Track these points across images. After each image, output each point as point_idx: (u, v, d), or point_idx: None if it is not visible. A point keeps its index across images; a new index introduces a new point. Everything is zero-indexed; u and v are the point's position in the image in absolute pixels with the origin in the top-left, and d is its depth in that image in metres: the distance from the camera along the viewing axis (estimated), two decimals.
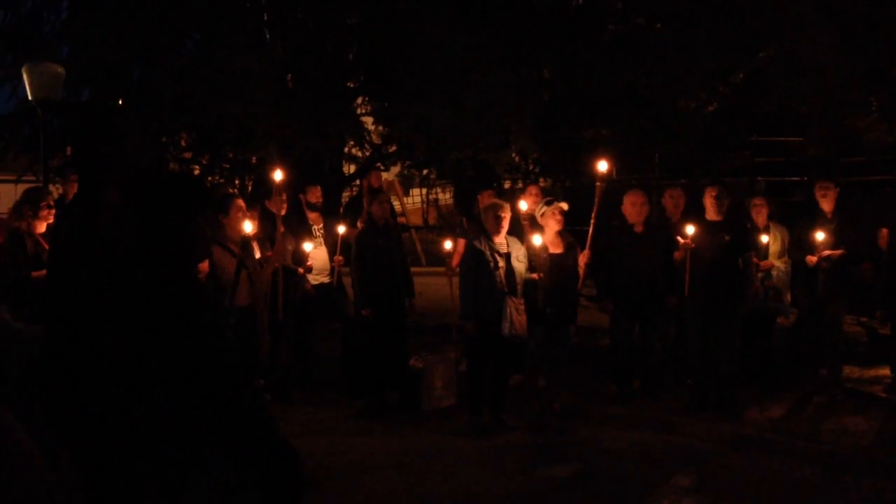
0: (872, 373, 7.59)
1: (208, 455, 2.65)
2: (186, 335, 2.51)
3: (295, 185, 7.93)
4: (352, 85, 12.21)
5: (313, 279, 7.59)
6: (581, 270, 6.86)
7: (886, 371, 7.32)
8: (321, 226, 7.76)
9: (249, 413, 2.62)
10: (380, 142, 12.37)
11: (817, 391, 7.12)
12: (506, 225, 6.53)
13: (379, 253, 7.04)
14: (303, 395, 7.39)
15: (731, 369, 6.81)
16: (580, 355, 7.97)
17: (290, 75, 11.72)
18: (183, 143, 13.28)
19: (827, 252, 6.74)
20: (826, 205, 6.97)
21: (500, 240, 6.53)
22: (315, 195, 7.77)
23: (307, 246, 7.31)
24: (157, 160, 11.64)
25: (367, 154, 12.42)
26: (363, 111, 12.50)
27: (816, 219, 6.94)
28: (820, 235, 6.71)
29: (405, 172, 12.27)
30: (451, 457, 5.93)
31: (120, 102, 10.57)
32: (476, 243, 6.52)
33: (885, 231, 6.53)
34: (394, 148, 11.86)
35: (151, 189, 2.63)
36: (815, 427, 6.42)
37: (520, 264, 6.53)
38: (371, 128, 12.65)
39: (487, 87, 9.80)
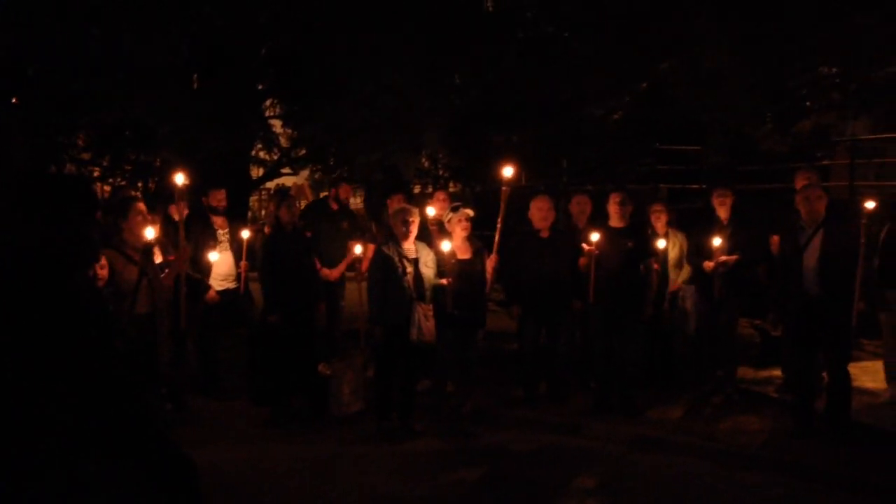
0: (765, 373, 7.91)
1: (100, 466, 2.55)
2: (70, 343, 2.41)
3: (199, 188, 7.74)
4: (261, 86, 12.02)
5: (218, 285, 7.44)
6: (489, 276, 6.94)
7: (778, 372, 7.63)
8: (226, 231, 7.61)
9: (139, 422, 2.54)
10: (289, 145, 12.20)
11: (714, 392, 7.37)
12: (414, 230, 6.55)
13: (287, 258, 6.95)
14: (208, 403, 7.25)
15: (634, 372, 6.99)
16: (488, 360, 8.07)
17: (196, 74, 11.46)
18: (81, 144, 12.79)
19: (723, 258, 6.99)
20: (722, 212, 7.23)
21: (409, 245, 6.55)
22: (219, 199, 7.61)
23: (212, 256, 7.19)
24: (52, 161, 11.17)
25: (276, 157, 12.23)
26: (272, 113, 12.31)
27: (713, 225, 7.19)
28: (716, 241, 6.95)
29: (315, 177, 12.12)
30: (360, 463, 5.94)
31: (14, 101, 10.11)
32: (384, 249, 6.54)
33: (776, 238, 6.80)
34: (303, 151, 11.72)
35: (34, 190, 2.51)
36: (713, 426, 6.65)
37: (428, 270, 6.56)
38: (280, 130, 12.48)
39: (399, 90, 9.80)
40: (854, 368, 7.02)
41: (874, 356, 7.79)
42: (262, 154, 12.31)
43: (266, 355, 7.06)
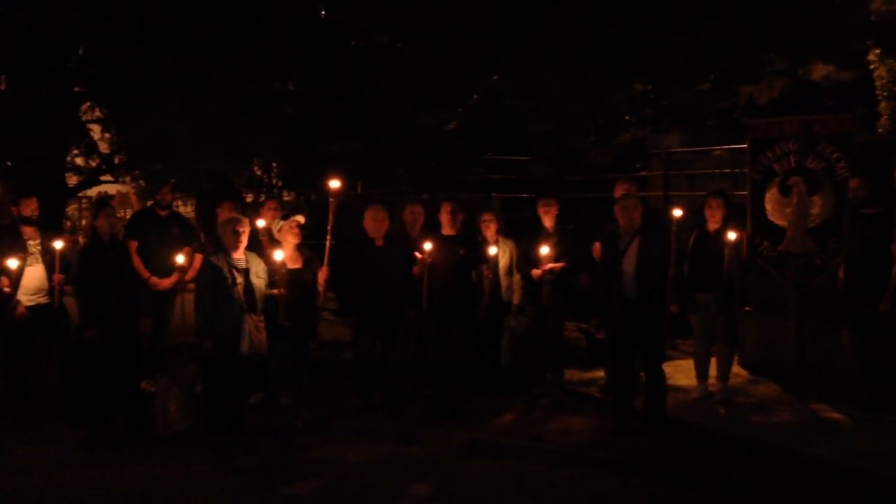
0: (590, 375, 8.27)
1: None
2: None
3: (8, 197, 7.18)
4: (78, 89, 11.31)
5: (28, 300, 6.93)
6: (321, 286, 6.87)
7: (602, 373, 8.00)
8: (38, 241, 7.09)
9: None
10: (109, 151, 11.56)
11: (543, 394, 7.63)
12: (244, 240, 6.41)
13: (104, 269, 6.58)
14: (17, 426, 6.72)
15: (467, 378, 7.11)
16: (322, 370, 7.97)
17: (3, 75, 10.65)
18: None
19: (550, 265, 7.25)
20: (548, 220, 7.51)
21: (239, 255, 6.40)
22: (30, 208, 7.08)
23: (11, 263, 6.66)
24: None
25: (95, 164, 11.55)
26: (91, 118, 11.62)
27: (540, 233, 7.45)
28: (544, 249, 7.20)
29: (138, 184, 11.53)
30: (188, 483, 5.70)
31: None
32: (213, 259, 6.35)
33: (598, 245, 7.12)
34: (125, 158, 11.13)
35: None
36: (542, 428, 6.87)
37: (259, 280, 6.44)
38: (99, 136, 11.80)
39: (229, 97, 9.51)
40: (669, 367, 7.49)
41: (687, 355, 8.32)
42: (79, 161, 11.58)
43: (83, 372, 6.64)
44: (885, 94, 11.61)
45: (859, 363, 7.03)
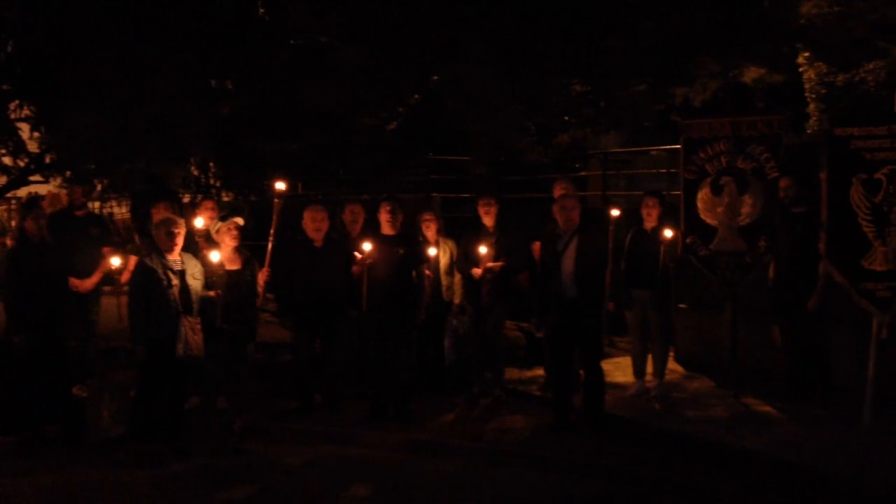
0: (530, 373, 8.34)
1: None
2: None
3: None
4: (6, 87, 10.96)
5: None
6: (260, 287, 6.79)
7: (542, 371, 8.07)
8: None
9: None
10: (39, 150, 11.22)
11: (483, 393, 7.66)
12: (179, 241, 6.31)
13: (33, 272, 6.39)
14: None
15: (408, 378, 7.11)
16: (261, 372, 7.86)
17: None
18: None
19: (489, 264, 7.28)
20: (488, 220, 7.53)
21: (174, 257, 6.30)
22: None
23: None
24: None
25: (24, 164, 11.19)
26: (19, 116, 11.26)
27: (480, 233, 7.48)
28: (483, 249, 7.23)
29: (67, 185, 11.18)
30: (121, 489, 5.60)
31: None
32: (147, 261, 6.23)
33: (537, 244, 7.18)
34: (55, 157, 10.82)
35: None
36: (482, 427, 6.90)
37: (195, 282, 6.35)
38: (28, 135, 11.43)
39: (163, 95, 9.32)
40: (607, 365, 7.62)
41: (625, 352, 8.45)
42: (7, 160, 11.21)
43: (10, 379, 6.44)
44: (813, 96, 12.00)
45: (789, 359, 7.23)
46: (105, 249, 7.51)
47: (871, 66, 11.20)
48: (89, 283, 7.53)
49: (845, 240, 6.48)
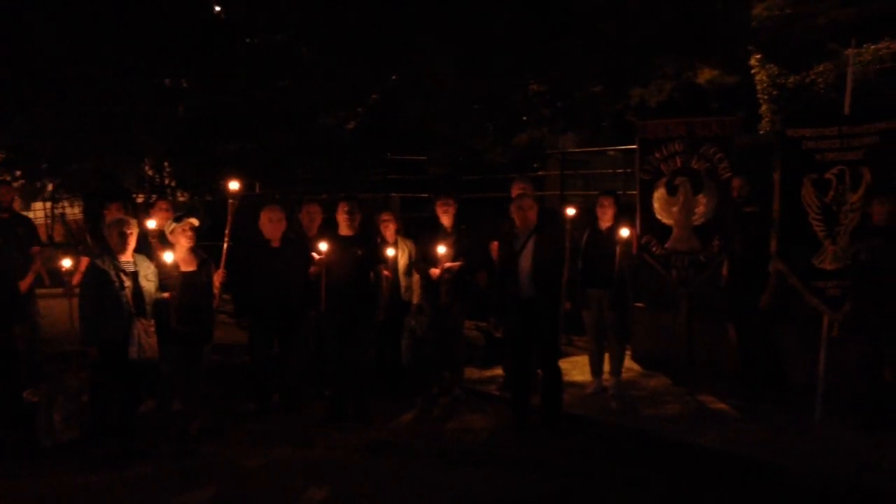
0: (489, 373, 8.37)
1: None
2: None
3: None
4: None
5: None
6: (216, 288, 6.70)
7: (501, 370, 8.09)
8: None
9: None
10: None
11: (442, 393, 7.67)
12: (132, 242, 6.21)
13: None
14: None
15: (367, 378, 7.08)
16: (219, 374, 7.78)
17: None
18: None
19: (448, 264, 7.28)
20: (446, 220, 7.53)
21: (127, 258, 6.19)
22: None
23: None
24: None
25: None
26: None
27: (438, 233, 7.47)
28: (441, 249, 7.22)
29: (14, 183, 10.93)
30: (76, 495, 5.48)
31: None
32: (99, 262, 6.12)
33: (495, 244, 7.20)
34: (4, 156, 10.58)
35: None
36: (441, 427, 6.90)
37: (149, 283, 6.25)
38: None
39: (115, 94, 9.17)
40: (565, 364, 7.67)
41: (583, 351, 8.52)
42: None
43: None
44: (765, 97, 12.21)
45: (743, 357, 7.35)
46: (34, 249, 7.38)
47: (821, 67, 11.44)
48: (23, 284, 7.39)
49: (796, 239, 6.60)
